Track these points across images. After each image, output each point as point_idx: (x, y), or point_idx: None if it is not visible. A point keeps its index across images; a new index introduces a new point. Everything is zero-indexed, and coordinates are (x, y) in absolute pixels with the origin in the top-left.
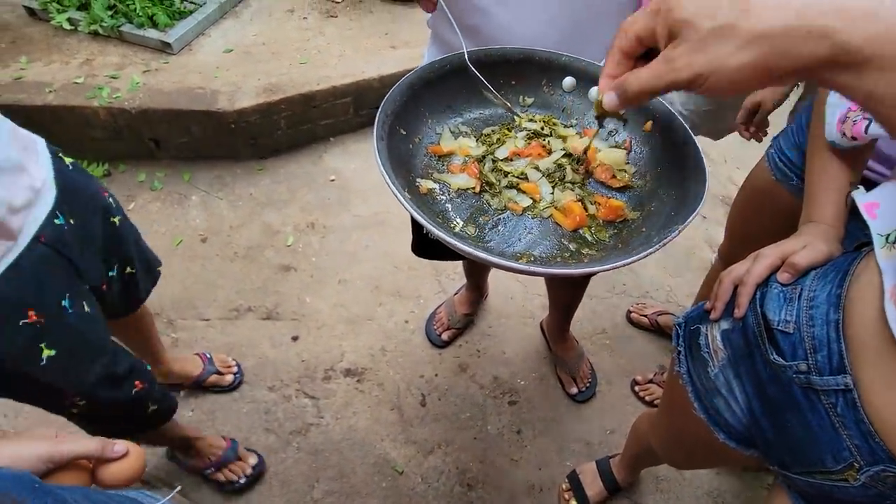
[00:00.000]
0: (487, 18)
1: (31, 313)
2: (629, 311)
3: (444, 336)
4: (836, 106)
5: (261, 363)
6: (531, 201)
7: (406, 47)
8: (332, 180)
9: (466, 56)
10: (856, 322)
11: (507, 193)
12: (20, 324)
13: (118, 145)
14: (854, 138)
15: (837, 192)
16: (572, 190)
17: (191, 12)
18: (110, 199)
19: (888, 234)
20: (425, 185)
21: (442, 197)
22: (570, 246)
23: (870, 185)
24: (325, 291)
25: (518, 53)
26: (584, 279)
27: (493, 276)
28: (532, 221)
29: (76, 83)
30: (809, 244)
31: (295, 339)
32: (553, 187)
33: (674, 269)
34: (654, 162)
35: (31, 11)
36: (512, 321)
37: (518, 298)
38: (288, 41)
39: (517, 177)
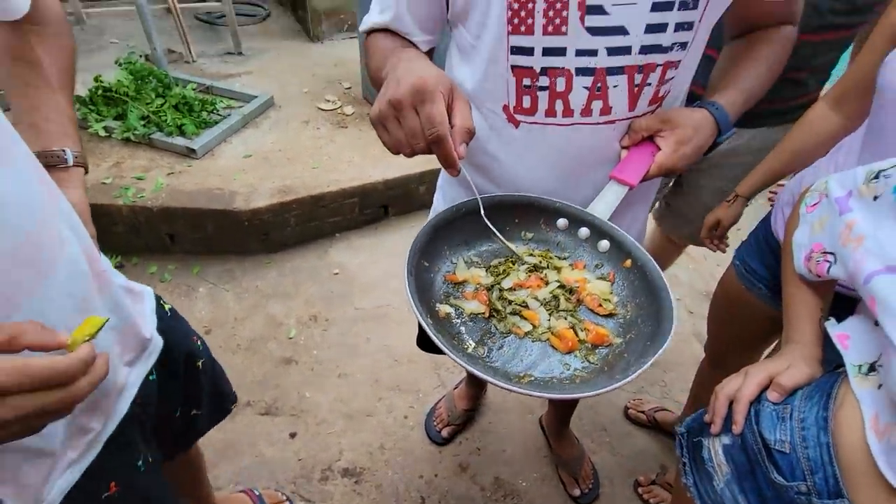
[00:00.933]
0: (497, 163)
1: (112, 485)
2: (627, 408)
3: (444, 433)
4: (801, 246)
5: (257, 462)
6: (532, 326)
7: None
8: (336, 274)
9: (480, 203)
10: (845, 447)
11: (512, 319)
12: (102, 497)
13: (135, 239)
14: (818, 275)
15: (811, 317)
16: (565, 318)
17: (216, 122)
18: (199, 342)
19: (860, 365)
20: (443, 309)
21: (457, 320)
22: (564, 368)
23: (840, 299)
24: (325, 385)
25: (521, 199)
26: None
27: None
28: (532, 344)
29: (104, 183)
30: (793, 364)
31: (293, 435)
32: (549, 314)
33: (665, 363)
34: (634, 293)
35: None
36: (512, 416)
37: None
38: (302, 148)
39: (519, 305)
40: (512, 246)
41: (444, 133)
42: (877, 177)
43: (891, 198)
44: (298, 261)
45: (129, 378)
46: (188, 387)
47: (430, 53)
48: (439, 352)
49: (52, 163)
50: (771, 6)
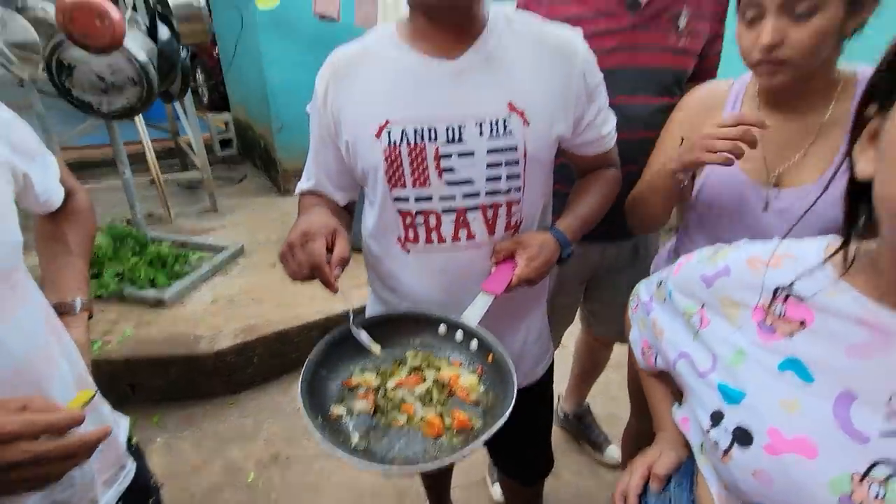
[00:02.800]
0: (399, 281)
1: None
2: None
3: None
4: (635, 343)
5: None
6: (407, 417)
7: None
8: (299, 409)
9: (352, 321)
10: None
11: (392, 413)
12: None
13: None
14: (652, 368)
15: (666, 403)
16: (436, 408)
17: (187, 273)
18: (153, 481)
19: (701, 444)
20: (336, 411)
21: (347, 419)
22: (431, 449)
23: None
24: None
25: (407, 314)
26: (534, 493)
27: (457, 497)
28: (408, 433)
29: None
30: (663, 451)
31: None
32: (423, 406)
33: None
34: (493, 383)
35: None
36: None
37: None
38: (268, 289)
39: (399, 400)
40: (376, 348)
41: (320, 262)
42: (661, 284)
43: (670, 300)
44: (261, 399)
45: (104, 498)
46: None
47: (351, 204)
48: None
49: (64, 310)
50: (589, 158)
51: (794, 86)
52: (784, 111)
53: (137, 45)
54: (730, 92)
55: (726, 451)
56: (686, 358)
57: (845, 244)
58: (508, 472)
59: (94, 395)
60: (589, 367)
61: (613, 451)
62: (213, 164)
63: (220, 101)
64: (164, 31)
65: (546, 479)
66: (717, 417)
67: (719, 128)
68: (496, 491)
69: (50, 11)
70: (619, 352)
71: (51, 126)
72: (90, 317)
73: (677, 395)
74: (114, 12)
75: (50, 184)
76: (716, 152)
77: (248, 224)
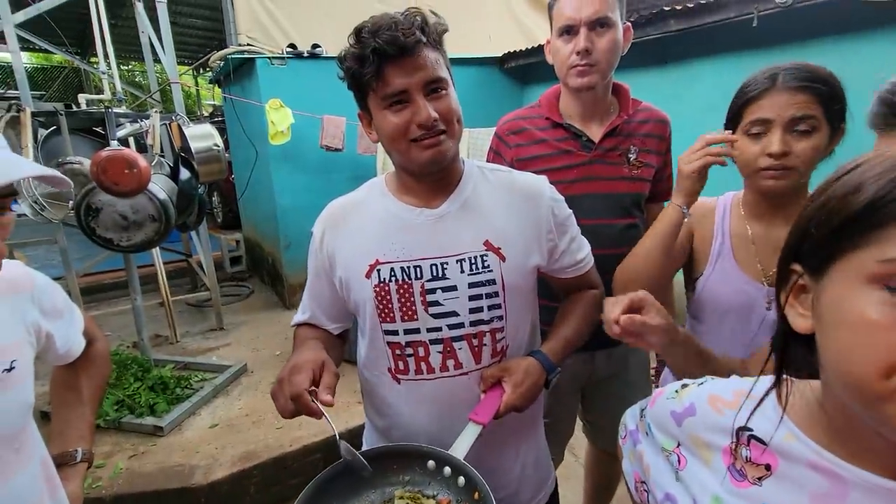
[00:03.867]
0: (391, 410)
1: None
2: None
3: None
4: (628, 474)
5: None
6: None
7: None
8: None
9: (340, 445)
10: None
11: None
12: None
13: None
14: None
15: None
16: None
17: (188, 396)
18: None
19: None
20: None
21: None
22: None
23: None
24: None
25: (396, 448)
26: None
27: None
28: None
29: None
30: None
31: None
32: None
33: None
34: None
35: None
36: None
37: None
38: (268, 410)
39: None
40: (367, 472)
41: (299, 391)
42: (642, 415)
43: (650, 433)
44: None
45: None
46: None
47: (345, 333)
48: None
49: (64, 461)
50: (569, 281)
51: (783, 194)
52: (767, 220)
53: (159, 185)
54: (717, 205)
55: None
56: (672, 501)
57: (777, 384)
58: None
59: None
60: (601, 482)
61: None
62: (223, 280)
63: (232, 220)
64: (185, 173)
65: None
66: None
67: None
68: None
69: (86, 164)
70: None
71: (71, 255)
72: (90, 466)
73: None
74: (142, 162)
75: (72, 337)
76: (699, 159)
77: (252, 340)
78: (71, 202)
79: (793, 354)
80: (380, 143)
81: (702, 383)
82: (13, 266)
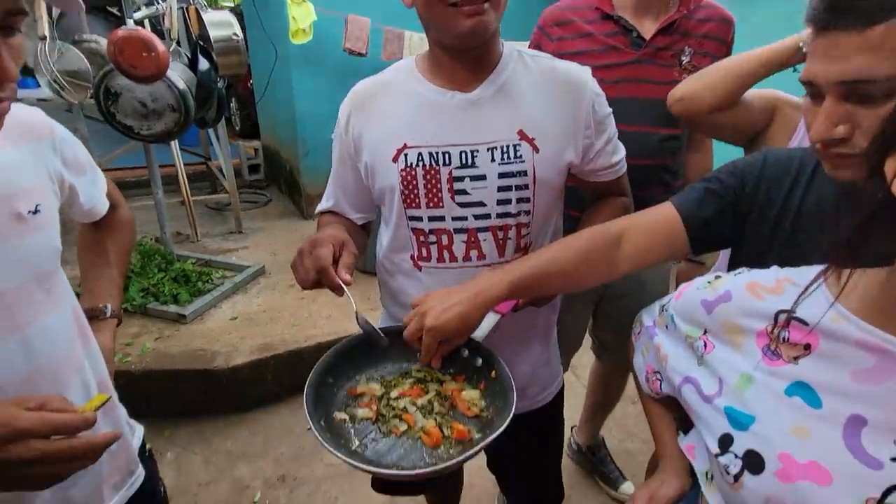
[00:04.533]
0: (409, 297)
1: None
2: None
3: None
4: (639, 369)
5: None
6: (407, 426)
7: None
8: (309, 429)
9: (357, 316)
10: None
11: (393, 421)
12: None
13: None
14: (657, 393)
15: (671, 431)
16: (436, 419)
17: (209, 291)
18: (162, 489)
19: (706, 472)
20: (339, 416)
21: (349, 425)
22: (428, 458)
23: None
24: None
25: None
26: None
27: None
28: (407, 441)
29: None
30: (665, 480)
31: None
32: (424, 417)
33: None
34: (494, 398)
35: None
36: None
37: None
38: (285, 308)
39: (401, 410)
40: (383, 340)
41: (326, 265)
42: (663, 310)
43: (673, 325)
44: (272, 418)
45: (110, 502)
46: None
47: (367, 224)
48: (394, 493)
49: (95, 315)
50: (599, 185)
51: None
52: None
53: (178, 74)
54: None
55: (737, 478)
56: (691, 383)
57: (848, 266)
58: (518, 500)
59: (109, 400)
60: (602, 398)
61: (628, 488)
62: (241, 187)
63: (251, 129)
64: (203, 63)
65: None
66: (725, 442)
67: None
68: None
69: (102, 44)
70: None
71: (93, 148)
72: (119, 323)
73: (682, 423)
74: (160, 45)
75: (95, 195)
76: None
77: (270, 245)
78: (89, 85)
79: (876, 233)
80: (406, 52)
81: (738, 273)
82: (32, 112)
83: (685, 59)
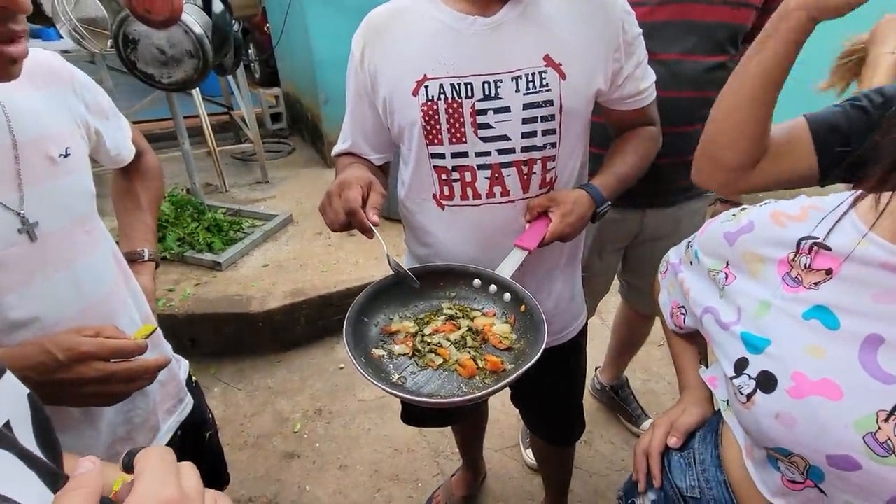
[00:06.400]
0: (433, 237)
1: None
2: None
3: None
4: (665, 305)
5: None
6: (443, 360)
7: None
8: (342, 368)
9: (388, 259)
10: (737, 480)
11: (429, 356)
12: None
13: None
14: (681, 327)
15: (693, 364)
16: (469, 353)
17: (241, 239)
18: (210, 416)
19: (727, 400)
20: (376, 352)
21: (387, 360)
22: (465, 388)
23: None
24: (325, 478)
25: (443, 267)
26: (565, 457)
27: (490, 458)
28: (443, 374)
29: None
30: (686, 409)
31: None
32: (458, 350)
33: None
34: (526, 330)
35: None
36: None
37: (516, 479)
38: (314, 255)
39: (435, 345)
40: (414, 282)
41: (356, 207)
42: (688, 247)
43: (696, 260)
44: (306, 358)
45: (165, 425)
46: (192, 453)
47: (385, 165)
48: (423, 424)
49: (133, 258)
50: (627, 114)
51: None
52: None
53: (193, 18)
54: None
55: (749, 397)
56: (711, 312)
57: (884, 190)
58: (539, 432)
59: (156, 329)
60: (627, 341)
61: (649, 424)
62: (265, 137)
63: (271, 77)
64: (217, 5)
65: (580, 449)
66: (740, 366)
67: None
68: (529, 455)
69: None
70: (661, 328)
71: (118, 100)
72: (157, 266)
73: (705, 358)
74: None
75: (121, 141)
76: None
77: (296, 194)
78: (108, 33)
79: None
80: None
81: (764, 204)
82: (50, 56)
83: None
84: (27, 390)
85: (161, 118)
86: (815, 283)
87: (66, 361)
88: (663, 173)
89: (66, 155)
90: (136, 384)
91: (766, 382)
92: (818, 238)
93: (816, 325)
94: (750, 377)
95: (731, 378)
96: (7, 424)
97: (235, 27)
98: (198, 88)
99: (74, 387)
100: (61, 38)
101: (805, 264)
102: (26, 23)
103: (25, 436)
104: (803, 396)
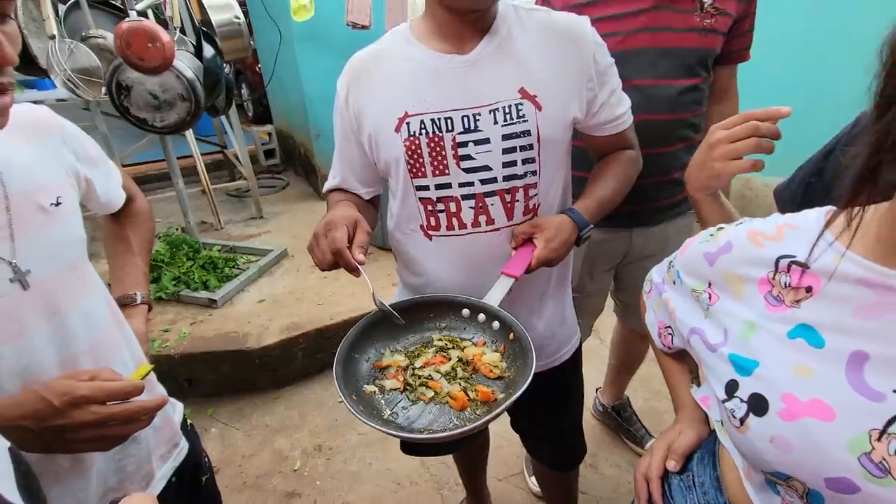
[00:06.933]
0: (423, 267)
1: None
2: None
3: None
4: (651, 325)
5: None
6: (434, 393)
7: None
8: (340, 402)
9: (374, 298)
10: (738, 503)
11: (420, 389)
12: None
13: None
14: (669, 347)
15: (685, 383)
16: (460, 384)
17: (236, 275)
18: (206, 459)
19: (720, 421)
20: (368, 388)
21: (378, 396)
22: (456, 420)
23: None
24: None
25: (432, 299)
26: (569, 481)
27: (494, 487)
28: (434, 407)
29: None
30: (682, 431)
31: None
32: (449, 383)
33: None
34: (515, 358)
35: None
36: None
37: None
38: (309, 289)
39: (426, 378)
40: (399, 320)
41: (342, 248)
42: (670, 267)
43: (679, 280)
44: (305, 393)
45: (159, 472)
46: (189, 499)
47: (375, 198)
48: (420, 453)
49: (126, 302)
50: (606, 139)
51: None
52: None
53: (185, 64)
54: None
55: (742, 421)
56: (698, 334)
57: (851, 202)
58: (541, 456)
59: (152, 370)
60: (625, 360)
61: None
62: (258, 173)
63: (263, 114)
64: (208, 50)
65: (585, 473)
66: (731, 388)
67: (727, 129)
68: (533, 482)
69: (109, 38)
70: None
71: (113, 144)
72: (149, 309)
73: (695, 374)
74: (164, 36)
75: (111, 187)
76: (740, 157)
77: (290, 228)
78: (102, 81)
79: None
80: (410, 15)
81: (740, 223)
82: (39, 110)
83: (707, 0)
84: (7, 443)
85: (156, 160)
86: (797, 301)
87: (63, 407)
88: (646, 192)
89: (58, 204)
90: (134, 426)
91: (758, 405)
92: (795, 256)
93: (802, 343)
94: (741, 400)
95: (723, 401)
96: None
97: (228, 69)
98: (191, 129)
99: (71, 432)
100: (55, 87)
101: (785, 283)
102: (12, 74)
103: (10, 489)
104: (795, 418)
